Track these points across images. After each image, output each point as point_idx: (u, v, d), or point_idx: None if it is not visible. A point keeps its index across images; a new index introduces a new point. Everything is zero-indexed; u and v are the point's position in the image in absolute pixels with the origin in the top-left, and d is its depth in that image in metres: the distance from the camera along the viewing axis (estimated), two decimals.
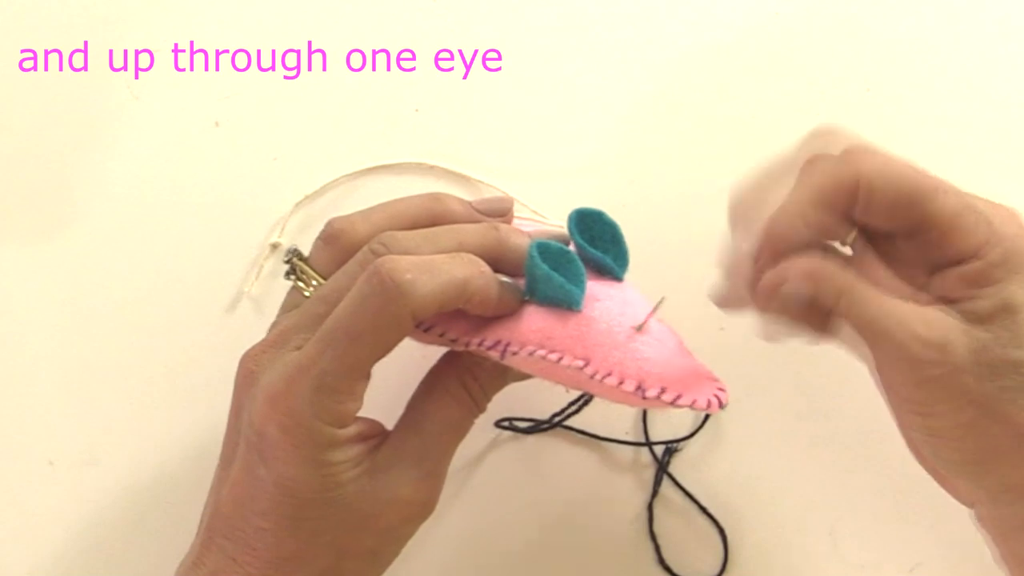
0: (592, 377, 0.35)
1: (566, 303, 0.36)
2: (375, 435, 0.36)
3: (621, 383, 0.34)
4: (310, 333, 0.35)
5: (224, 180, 0.47)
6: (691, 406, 0.34)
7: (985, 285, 0.34)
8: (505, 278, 0.36)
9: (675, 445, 0.44)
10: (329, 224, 0.38)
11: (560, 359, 0.35)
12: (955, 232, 0.35)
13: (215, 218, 0.46)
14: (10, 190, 0.46)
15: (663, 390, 0.34)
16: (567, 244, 0.37)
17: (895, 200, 0.35)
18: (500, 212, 0.40)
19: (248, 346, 0.36)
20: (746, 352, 0.45)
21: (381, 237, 0.36)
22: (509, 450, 0.45)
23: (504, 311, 0.36)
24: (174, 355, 0.45)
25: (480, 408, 0.37)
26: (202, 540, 0.36)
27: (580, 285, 0.36)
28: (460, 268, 0.34)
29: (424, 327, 0.36)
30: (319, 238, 0.38)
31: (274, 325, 0.38)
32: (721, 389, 0.35)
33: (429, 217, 0.38)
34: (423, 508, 0.36)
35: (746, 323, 0.42)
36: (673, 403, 0.34)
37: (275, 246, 0.45)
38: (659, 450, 0.45)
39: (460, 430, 0.37)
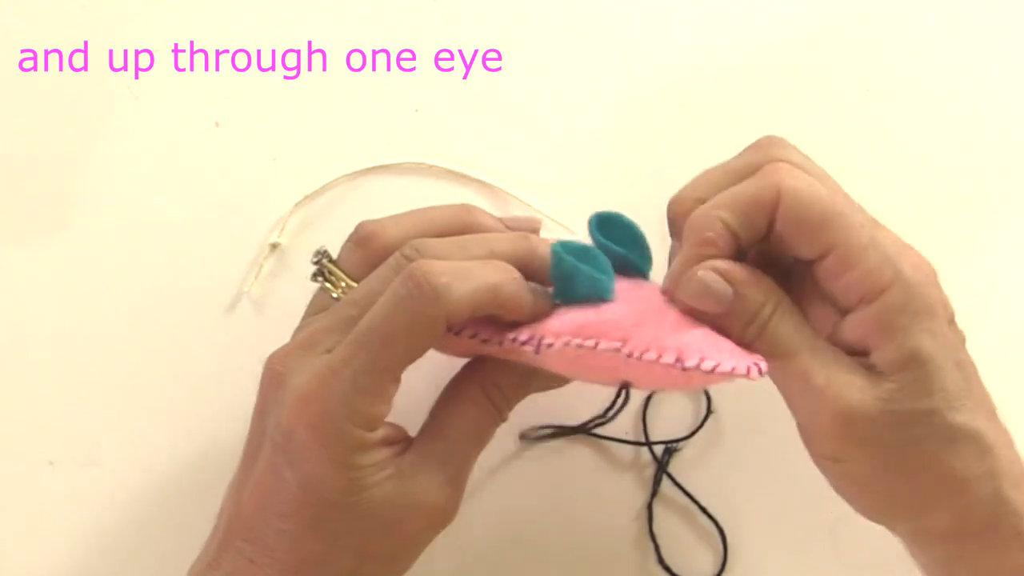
0: (631, 356, 0.34)
1: (597, 294, 0.36)
2: (400, 440, 0.36)
3: (660, 356, 0.34)
4: (341, 336, 0.35)
5: (224, 180, 0.47)
6: (731, 372, 0.34)
7: (889, 334, 0.34)
8: (536, 285, 0.36)
9: (675, 445, 0.44)
10: (360, 227, 0.38)
11: (597, 344, 0.35)
12: (858, 268, 0.35)
13: (215, 218, 0.46)
14: (10, 190, 0.46)
15: (702, 359, 0.34)
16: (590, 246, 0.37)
17: (806, 219, 0.35)
18: (530, 230, 0.40)
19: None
20: None
21: (414, 243, 0.36)
22: (508, 449, 0.45)
23: (535, 316, 0.36)
24: (174, 355, 0.45)
25: (502, 417, 0.37)
26: (219, 542, 0.36)
27: (608, 274, 0.36)
28: (493, 273, 0.35)
29: (455, 330, 0.36)
30: (349, 240, 0.38)
31: (301, 327, 0.38)
32: (760, 358, 0.35)
33: (460, 226, 0.39)
34: (445, 515, 0.36)
35: None
36: (713, 371, 0.34)
37: (275, 246, 0.45)
38: (659, 450, 0.45)
39: (483, 438, 0.37)
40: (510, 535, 0.44)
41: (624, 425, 0.45)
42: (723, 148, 0.48)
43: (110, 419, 0.44)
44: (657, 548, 0.44)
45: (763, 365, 0.35)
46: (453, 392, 0.37)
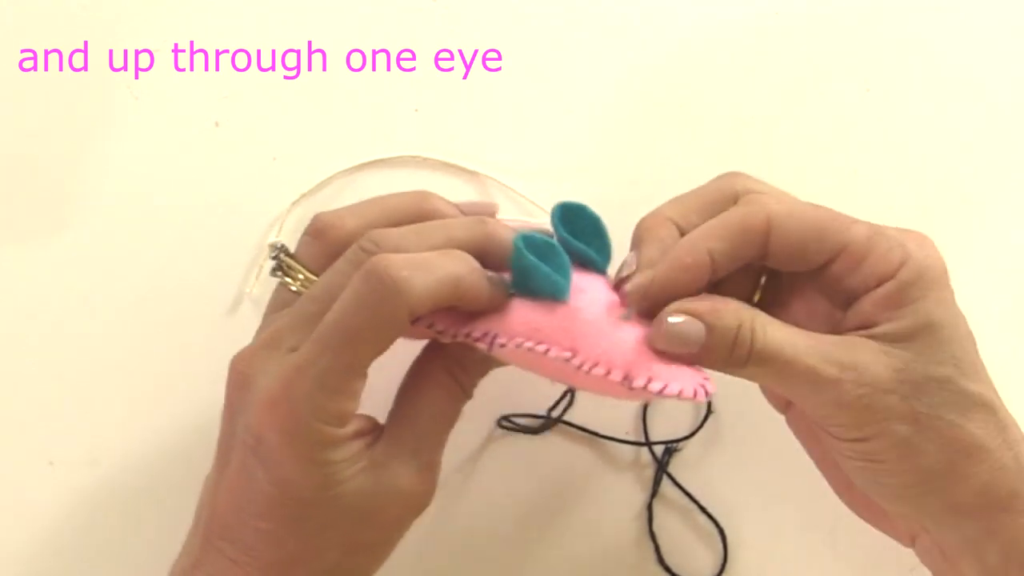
0: (579, 368, 0.34)
1: (552, 294, 0.36)
2: (370, 430, 0.36)
3: (608, 373, 0.34)
4: (304, 333, 0.34)
5: (224, 180, 0.47)
6: (678, 396, 0.34)
7: (902, 305, 0.35)
8: (492, 274, 0.36)
9: (675, 445, 0.44)
10: (316, 219, 0.38)
11: (548, 351, 0.35)
12: (871, 257, 0.36)
13: (215, 218, 0.46)
14: (10, 190, 0.46)
15: (649, 380, 0.34)
16: (551, 238, 0.37)
17: (805, 236, 0.36)
18: (486, 214, 0.40)
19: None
20: None
21: (371, 235, 0.36)
22: (508, 448, 0.45)
23: (493, 307, 0.36)
24: (174, 355, 0.45)
25: (467, 395, 0.37)
26: (200, 541, 0.36)
27: (566, 276, 0.36)
28: (453, 264, 0.35)
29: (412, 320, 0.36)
30: (305, 233, 0.39)
31: (264, 325, 0.38)
32: (706, 379, 0.35)
33: (417, 214, 0.38)
34: (422, 499, 0.36)
35: None
36: (660, 393, 0.34)
37: (273, 246, 0.45)
38: (659, 450, 0.45)
39: (451, 419, 0.37)
40: (510, 535, 0.44)
41: (625, 425, 0.45)
42: (723, 148, 0.48)
43: (110, 419, 0.44)
44: (657, 548, 0.44)
45: (710, 387, 0.35)
46: (418, 376, 0.37)
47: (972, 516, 0.36)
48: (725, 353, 0.35)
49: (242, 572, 0.34)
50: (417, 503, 0.36)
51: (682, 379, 0.35)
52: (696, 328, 0.35)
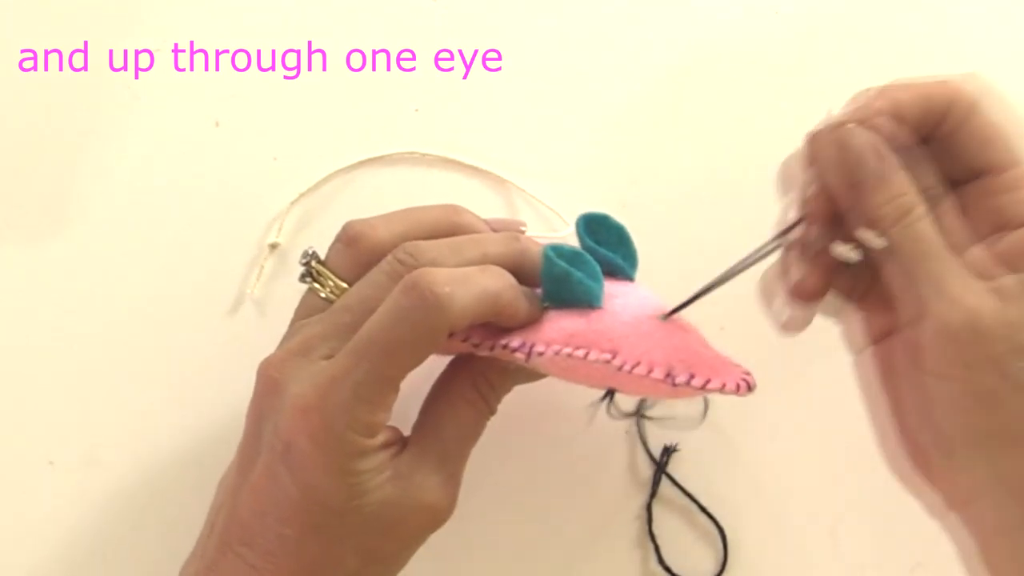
0: (620, 368, 0.35)
1: (586, 300, 0.36)
2: (396, 441, 0.36)
3: (650, 371, 0.34)
4: (337, 342, 0.35)
5: (224, 180, 0.47)
6: (720, 390, 0.35)
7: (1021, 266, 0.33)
8: (528, 290, 0.37)
9: (674, 445, 0.44)
10: (348, 226, 0.38)
11: (587, 354, 0.35)
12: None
13: (215, 218, 0.46)
14: (10, 190, 0.46)
15: (692, 376, 0.34)
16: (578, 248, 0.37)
17: (1004, 128, 0.35)
18: (513, 230, 0.40)
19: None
20: (747, 352, 0.45)
21: (406, 247, 0.36)
22: (505, 449, 0.45)
23: (529, 322, 0.36)
24: (174, 355, 0.45)
25: (492, 410, 0.38)
26: (216, 545, 0.35)
27: (598, 281, 0.36)
28: (492, 281, 0.35)
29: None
30: (338, 240, 0.38)
31: (293, 331, 0.38)
32: (747, 373, 0.36)
33: (448, 227, 0.39)
34: (444, 512, 0.36)
35: (747, 323, 0.42)
36: (703, 388, 0.34)
37: (274, 246, 0.45)
38: (657, 450, 0.45)
39: (476, 433, 0.37)
40: (510, 535, 0.44)
41: (624, 425, 0.45)
42: (723, 147, 0.48)
43: (110, 419, 0.44)
44: (657, 548, 0.44)
45: (751, 380, 0.35)
46: (444, 390, 0.37)
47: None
48: (883, 200, 0.34)
49: None
50: (439, 516, 0.36)
51: (724, 374, 0.35)
52: (876, 160, 0.34)
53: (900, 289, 0.35)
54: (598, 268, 0.36)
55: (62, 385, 0.45)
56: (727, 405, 0.45)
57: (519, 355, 0.36)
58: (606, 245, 0.38)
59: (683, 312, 0.38)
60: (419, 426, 0.37)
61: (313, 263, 0.38)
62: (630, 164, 0.48)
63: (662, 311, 0.37)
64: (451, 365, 0.38)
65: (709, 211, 0.47)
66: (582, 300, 0.36)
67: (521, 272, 0.37)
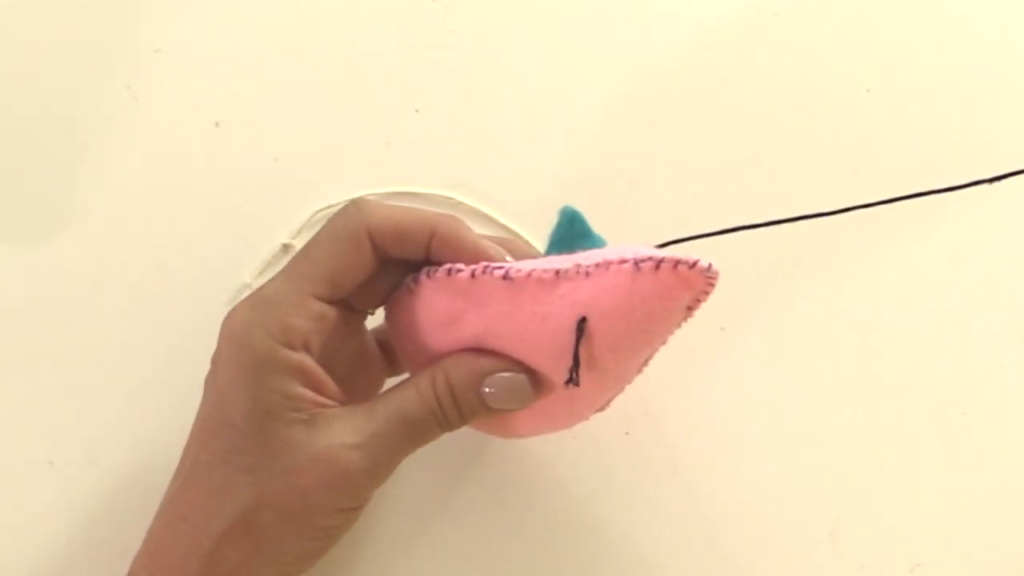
0: (580, 271, 0.33)
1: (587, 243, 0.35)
2: (329, 395, 0.35)
3: (609, 265, 0.33)
4: None
5: (224, 181, 0.47)
6: (691, 267, 0.32)
7: None
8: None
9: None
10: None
11: (557, 271, 0.33)
12: None
13: (215, 219, 0.46)
14: (10, 190, 0.46)
15: (651, 256, 0.33)
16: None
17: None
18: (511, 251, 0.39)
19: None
20: (747, 353, 0.45)
21: (355, 200, 0.37)
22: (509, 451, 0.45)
23: (481, 256, 0.35)
24: (174, 356, 0.45)
25: (445, 413, 0.36)
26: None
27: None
28: (431, 211, 0.35)
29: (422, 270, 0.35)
30: None
31: None
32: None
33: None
34: (347, 480, 0.34)
35: (748, 325, 0.42)
36: (674, 264, 0.32)
37: (287, 247, 0.45)
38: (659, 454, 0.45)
39: (413, 425, 0.35)
40: (507, 532, 0.44)
41: (623, 426, 0.45)
42: (723, 148, 0.48)
43: (110, 419, 0.44)
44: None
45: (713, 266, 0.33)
46: (404, 379, 0.37)
47: None
48: None
49: (174, 509, 0.35)
50: (340, 481, 0.34)
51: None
52: None
53: None
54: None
55: (62, 385, 0.45)
56: (728, 405, 0.45)
57: (498, 272, 0.34)
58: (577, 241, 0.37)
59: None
60: (371, 398, 0.36)
61: None
62: (630, 163, 0.48)
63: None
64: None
65: (710, 211, 0.47)
66: (582, 243, 0.35)
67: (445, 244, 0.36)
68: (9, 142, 0.47)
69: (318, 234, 0.35)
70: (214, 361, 0.35)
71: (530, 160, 0.47)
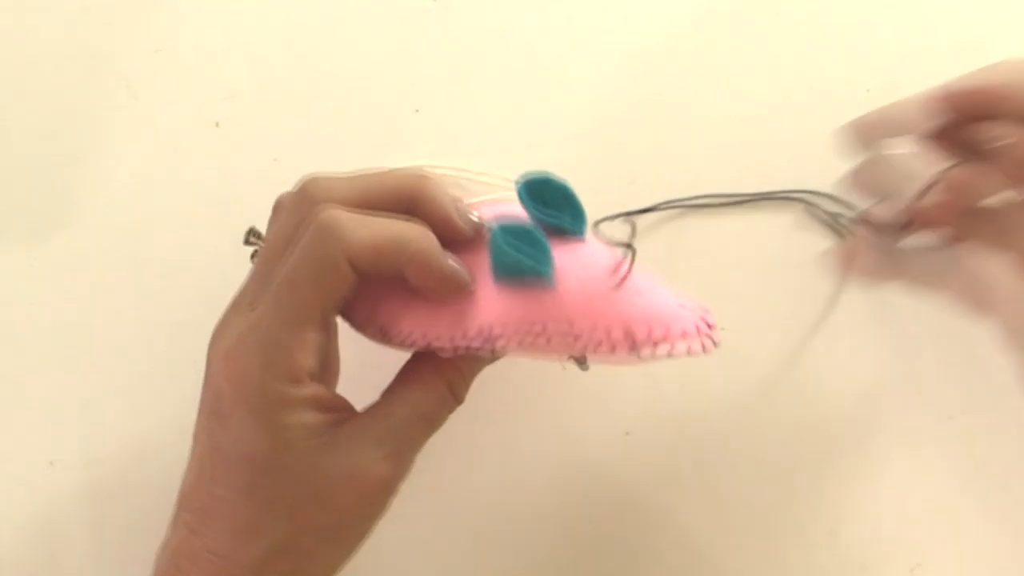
0: (585, 349, 0.35)
1: (539, 284, 0.36)
2: (340, 410, 0.35)
3: (614, 350, 0.35)
4: (259, 288, 0.35)
5: (224, 180, 0.47)
6: (687, 352, 0.35)
7: None
8: (452, 257, 0.35)
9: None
10: (279, 198, 0.38)
11: (550, 340, 0.35)
12: None
13: (215, 219, 0.46)
14: (10, 190, 0.46)
15: (655, 344, 0.35)
16: (526, 224, 0.37)
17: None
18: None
19: None
20: (748, 353, 0.45)
21: (302, 180, 0.36)
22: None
23: (450, 286, 0.35)
24: (174, 355, 0.45)
25: (456, 398, 0.37)
26: (170, 523, 0.36)
27: (548, 263, 0.36)
28: (405, 226, 0.35)
29: (402, 338, 0.36)
30: (272, 213, 0.38)
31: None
32: (706, 311, 0.36)
33: (408, 200, 0.36)
34: (381, 489, 0.35)
35: (749, 325, 0.42)
36: (669, 355, 0.35)
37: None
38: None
39: (432, 419, 0.36)
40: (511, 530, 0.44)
41: (624, 427, 0.45)
42: (723, 148, 0.48)
43: (110, 419, 0.44)
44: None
45: (716, 336, 0.36)
46: (407, 371, 0.37)
47: None
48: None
49: (199, 542, 0.34)
50: (373, 493, 0.35)
51: (687, 336, 0.35)
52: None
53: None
54: (547, 247, 0.36)
55: (62, 385, 0.45)
56: (727, 404, 0.45)
57: (483, 350, 0.35)
58: (552, 204, 0.38)
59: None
60: (373, 404, 0.36)
61: (254, 239, 0.38)
62: (630, 164, 0.48)
63: (612, 269, 0.37)
64: (415, 353, 0.37)
65: (710, 211, 0.47)
66: (534, 284, 0.36)
67: (419, 210, 0.36)
68: (9, 142, 0.47)
69: (297, 259, 0.34)
70: (217, 402, 0.34)
71: (530, 160, 0.47)
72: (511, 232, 0.36)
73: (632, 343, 0.35)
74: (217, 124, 0.47)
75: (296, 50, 0.48)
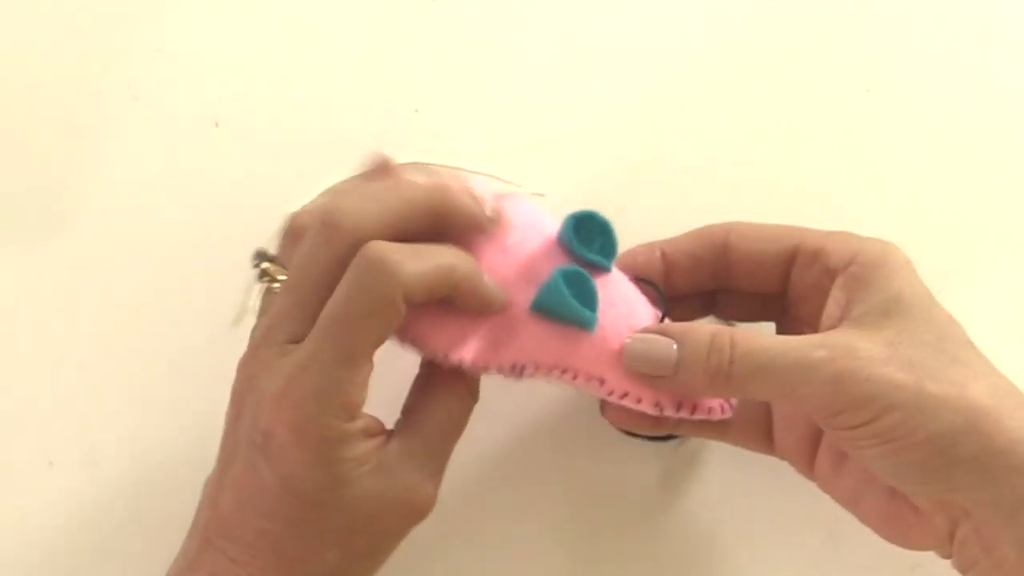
0: (610, 395, 0.36)
1: (579, 326, 0.36)
2: (379, 432, 0.36)
3: (639, 402, 0.36)
4: (293, 323, 0.35)
5: (224, 181, 0.47)
6: (708, 415, 0.37)
7: (869, 285, 0.35)
8: (489, 278, 0.36)
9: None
10: (292, 219, 0.38)
11: (576, 378, 0.36)
12: (826, 247, 0.36)
13: (215, 219, 0.46)
14: (10, 190, 0.46)
15: (680, 405, 0.36)
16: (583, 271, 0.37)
17: (762, 237, 0.38)
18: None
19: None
20: None
21: (326, 206, 0.35)
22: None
23: (490, 306, 0.36)
24: (174, 355, 0.45)
25: (475, 398, 0.37)
26: (198, 543, 0.35)
27: (594, 307, 0.36)
28: (447, 253, 0.35)
29: (442, 354, 0.36)
30: (284, 235, 0.38)
31: (255, 327, 0.37)
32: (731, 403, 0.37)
33: (431, 217, 0.36)
34: (426, 508, 0.36)
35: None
36: (692, 415, 0.36)
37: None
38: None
39: (461, 425, 0.37)
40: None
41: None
42: (723, 148, 0.48)
43: (110, 419, 0.44)
44: None
45: (733, 401, 0.37)
46: (427, 380, 0.37)
47: (1005, 478, 0.34)
48: (702, 365, 0.35)
49: (242, 572, 0.34)
50: (420, 511, 0.36)
51: (707, 399, 0.37)
52: (665, 344, 0.36)
53: (778, 395, 0.36)
54: (595, 291, 0.36)
55: (62, 385, 0.45)
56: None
57: (511, 376, 0.36)
58: (587, 235, 0.38)
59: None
60: (405, 417, 0.37)
61: (264, 263, 0.38)
62: (630, 164, 0.48)
63: (648, 319, 0.38)
64: None
65: (711, 211, 0.47)
66: (576, 325, 0.36)
67: (449, 221, 0.36)
68: (9, 142, 0.47)
69: (352, 297, 0.33)
70: (266, 441, 0.34)
71: (530, 160, 0.47)
72: (568, 274, 0.36)
73: (658, 406, 0.36)
74: (217, 124, 0.47)
75: (296, 50, 0.48)
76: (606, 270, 0.38)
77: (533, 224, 0.38)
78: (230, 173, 0.47)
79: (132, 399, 0.44)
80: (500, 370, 0.36)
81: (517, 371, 0.36)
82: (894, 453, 0.34)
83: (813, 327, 0.37)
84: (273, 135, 0.47)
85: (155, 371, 0.45)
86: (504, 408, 0.44)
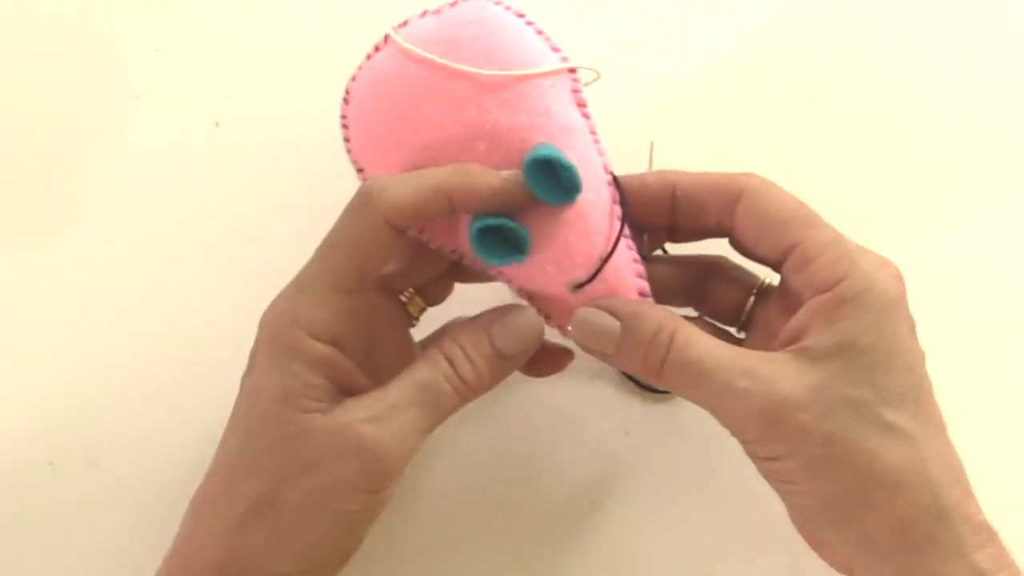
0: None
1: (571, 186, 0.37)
2: (353, 390, 0.35)
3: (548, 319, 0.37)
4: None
5: (224, 180, 0.47)
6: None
7: (832, 322, 0.34)
8: (510, 173, 0.36)
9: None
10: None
11: (510, 282, 0.38)
12: (817, 261, 0.35)
13: (214, 219, 0.46)
14: (11, 190, 0.46)
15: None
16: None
17: (772, 216, 0.36)
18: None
19: (250, 343, 0.37)
20: None
21: (368, 182, 0.36)
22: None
23: (508, 200, 0.36)
24: (174, 355, 0.45)
25: (460, 375, 0.36)
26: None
27: (523, 249, 0.36)
28: (440, 172, 0.35)
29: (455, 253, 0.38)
30: None
31: None
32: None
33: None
34: (362, 454, 0.34)
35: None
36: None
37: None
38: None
39: (427, 391, 0.35)
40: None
41: (622, 426, 0.45)
42: (723, 148, 0.48)
43: (110, 419, 0.44)
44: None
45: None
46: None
47: (888, 554, 0.34)
48: (639, 355, 0.35)
49: (205, 483, 0.36)
50: (359, 457, 0.34)
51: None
52: (611, 325, 0.35)
53: (699, 401, 0.36)
54: (519, 236, 0.36)
55: (62, 385, 0.45)
56: None
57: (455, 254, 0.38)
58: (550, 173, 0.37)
59: None
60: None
61: None
62: (629, 164, 0.47)
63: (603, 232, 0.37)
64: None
65: None
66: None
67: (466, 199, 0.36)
68: (10, 142, 0.47)
69: (337, 224, 0.35)
70: (252, 354, 0.36)
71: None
72: (483, 233, 0.36)
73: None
74: (217, 124, 0.47)
75: (295, 50, 0.48)
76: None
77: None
78: (230, 173, 0.47)
79: (132, 399, 0.44)
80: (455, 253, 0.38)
81: (457, 257, 0.38)
82: (790, 494, 0.35)
83: (784, 324, 0.36)
84: (273, 135, 0.47)
85: (155, 371, 0.45)
86: (502, 408, 0.44)
